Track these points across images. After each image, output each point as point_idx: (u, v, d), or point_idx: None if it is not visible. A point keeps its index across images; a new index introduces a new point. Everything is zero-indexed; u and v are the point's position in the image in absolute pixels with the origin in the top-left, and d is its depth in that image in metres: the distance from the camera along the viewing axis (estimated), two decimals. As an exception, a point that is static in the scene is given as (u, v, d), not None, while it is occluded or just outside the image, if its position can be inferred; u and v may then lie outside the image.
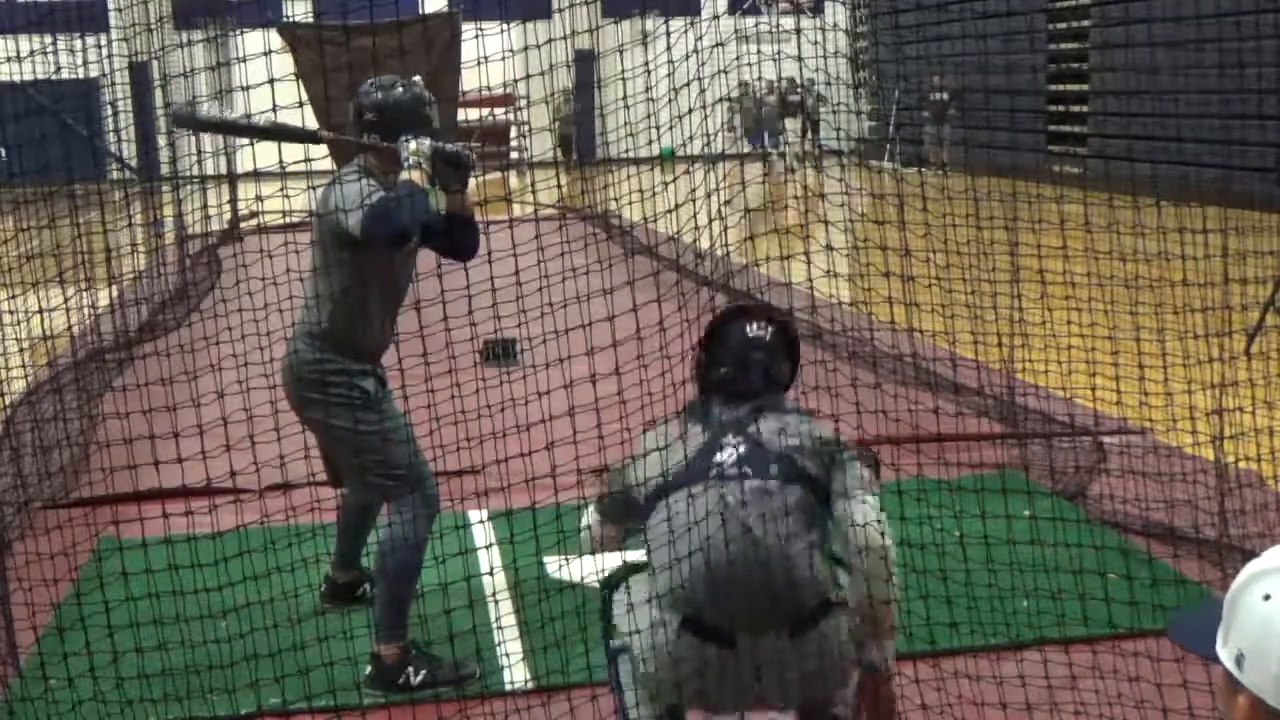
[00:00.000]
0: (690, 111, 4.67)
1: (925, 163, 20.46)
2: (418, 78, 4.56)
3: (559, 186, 20.97)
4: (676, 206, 4.56)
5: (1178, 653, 4.18)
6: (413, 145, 4.22)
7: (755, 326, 3.61)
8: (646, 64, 4.55)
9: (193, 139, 5.46)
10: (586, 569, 5.01)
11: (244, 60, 4.80)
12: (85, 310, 7.72)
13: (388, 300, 4.53)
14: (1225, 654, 1.65)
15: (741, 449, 3.40)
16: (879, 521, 3.31)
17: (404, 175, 4.25)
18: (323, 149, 4.56)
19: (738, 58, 4.96)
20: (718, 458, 3.40)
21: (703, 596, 3.28)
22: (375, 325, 4.51)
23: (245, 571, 4.48)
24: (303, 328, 4.49)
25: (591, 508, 3.84)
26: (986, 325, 6.11)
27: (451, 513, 5.31)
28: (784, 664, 3.26)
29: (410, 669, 4.42)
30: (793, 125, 22.02)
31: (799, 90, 21.07)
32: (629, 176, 5.02)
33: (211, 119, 4.47)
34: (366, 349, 4.52)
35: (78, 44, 7.54)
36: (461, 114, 21.82)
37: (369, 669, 4.45)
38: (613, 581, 3.69)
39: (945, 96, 20.86)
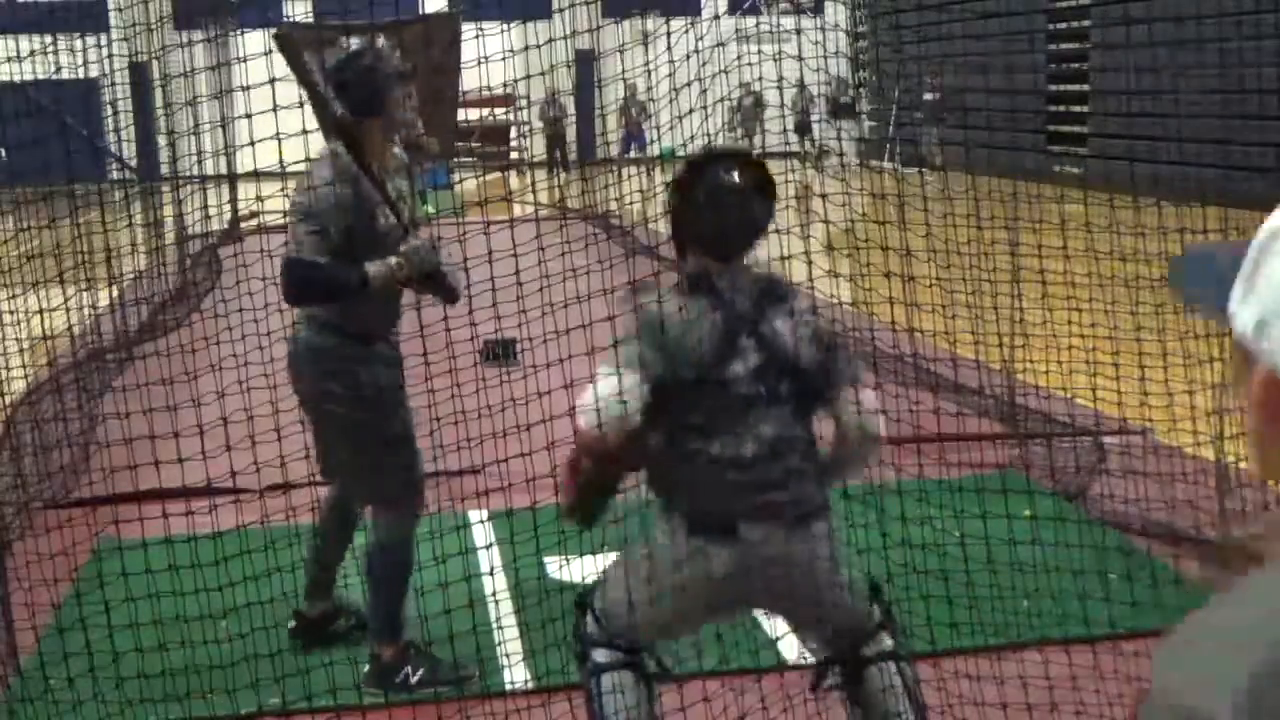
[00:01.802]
0: (691, 111, 4.67)
1: (924, 163, 20.43)
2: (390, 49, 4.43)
3: (557, 187, 20.96)
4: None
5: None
6: (411, 244, 4.22)
7: (731, 172, 3.43)
8: (646, 64, 4.56)
9: (192, 139, 5.47)
10: (587, 569, 5.02)
11: (244, 60, 4.80)
12: (85, 310, 7.72)
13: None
14: (1242, 316, 1.34)
15: (754, 359, 3.31)
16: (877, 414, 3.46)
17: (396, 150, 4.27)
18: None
19: (738, 57, 4.96)
20: (733, 369, 3.29)
21: (712, 501, 3.29)
22: (376, 301, 4.33)
23: (245, 571, 4.48)
24: (304, 313, 4.36)
25: (606, 375, 3.35)
26: (987, 325, 6.11)
27: (451, 513, 5.32)
28: (783, 557, 3.27)
29: (409, 668, 4.42)
30: (846, 125, 21.51)
31: (849, 91, 20.73)
32: (629, 176, 5.02)
33: (303, 62, 4.30)
34: (373, 326, 4.37)
35: (78, 44, 7.54)
36: (461, 114, 21.86)
37: (368, 667, 4.45)
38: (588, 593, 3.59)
39: (936, 96, 20.77)
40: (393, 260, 4.17)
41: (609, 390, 3.26)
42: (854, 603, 3.44)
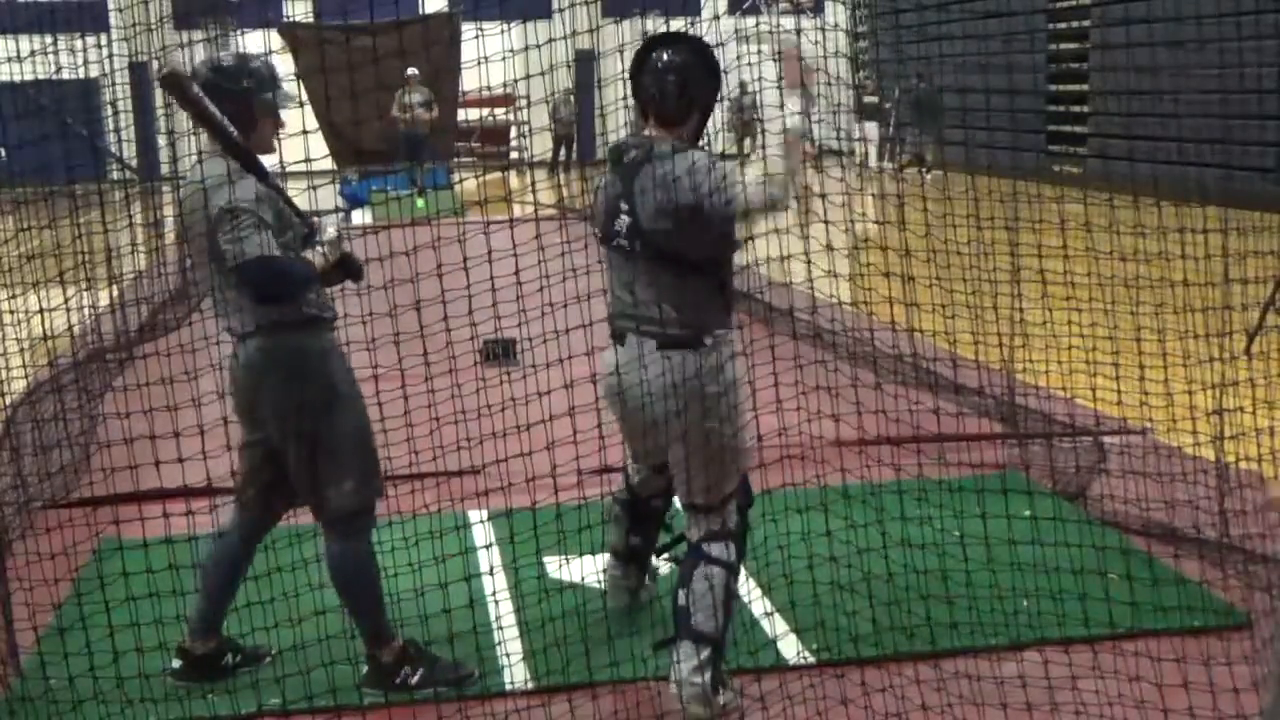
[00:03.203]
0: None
1: (923, 163, 20.40)
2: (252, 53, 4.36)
3: (559, 186, 20.95)
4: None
5: (1178, 652, 4.18)
6: (330, 232, 4.25)
7: (669, 52, 4.19)
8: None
9: (193, 139, 5.47)
10: (587, 569, 5.03)
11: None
12: (85, 310, 7.72)
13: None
14: None
15: (626, 222, 4.15)
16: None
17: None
18: (324, 149, 4.54)
19: (738, 58, 4.96)
20: (616, 224, 4.18)
21: (613, 323, 4.31)
22: (317, 290, 4.24)
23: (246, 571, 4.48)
24: (249, 323, 4.18)
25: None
26: (987, 325, 6.10)
27: (451, 513, 5.32)
28: (644, 362, 4.13)
29: (408, 668, 4.41)
30: (870, 128, 21.16)
31: (878, 92, 20.49)
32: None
33: (194, 97, 4.10)
34: (324, 311, 4.27)
35: (78, 44, 7.54)
36: (461, 114, 21.90)
37: (367, 668, 4.45)
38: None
39: (910, 95, 20.61)
40: (320, 249, 4.21)
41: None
42: (706, 456, 4.15)
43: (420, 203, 17.27)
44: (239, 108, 4.15)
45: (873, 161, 20.95)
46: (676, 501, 4.53)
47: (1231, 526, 5.19)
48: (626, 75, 4.28)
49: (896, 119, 21.85)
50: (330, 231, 4.28)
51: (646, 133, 4.19)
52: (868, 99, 20.61)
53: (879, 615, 4.57)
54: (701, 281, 4.13)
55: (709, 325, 4.12)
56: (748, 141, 22.47)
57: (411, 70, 19.48)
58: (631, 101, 4.30)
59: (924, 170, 19.93)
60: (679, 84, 4.14)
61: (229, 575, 4.49)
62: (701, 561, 4.17)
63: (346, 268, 4.34)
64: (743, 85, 5.38)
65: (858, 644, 4.51)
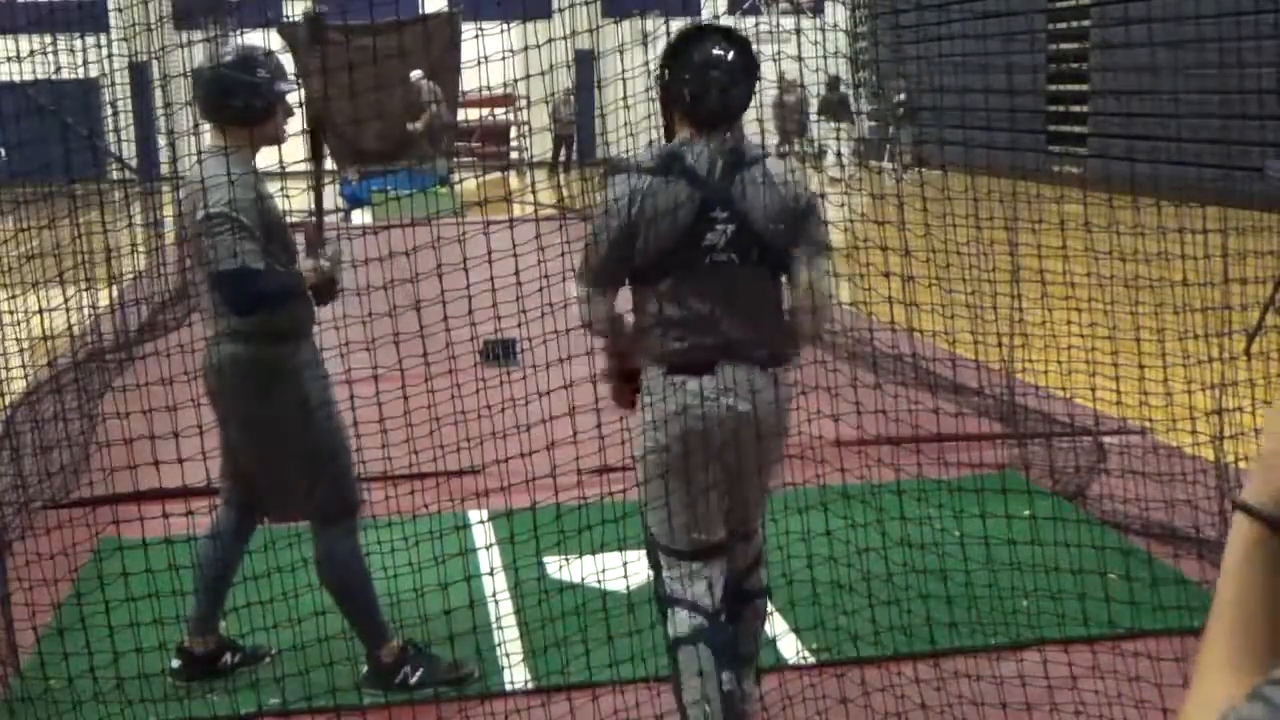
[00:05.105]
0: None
1: (923, 163, 20.34)
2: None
3: (559, 186, 20.93)
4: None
5: (1177, 652, 4.18)
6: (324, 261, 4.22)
7: (716, 47, 3.66)
8: (646, 64, 4.55)
9: (192, 139, 5.47)
10: (587, 569, 5.02)
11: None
12: (85, 310, 7.72)
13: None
14: None
15: (729, 230, 3.60)
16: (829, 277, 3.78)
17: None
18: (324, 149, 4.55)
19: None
20: (709, 239, 3.60)
21: (691, 351, 3.64)
22: (300, 300, 4.25)
23: (245, 572, 4.48)
24: (224, 327, 4.17)
25: (579, 284, 3.77)
26: (986, 325, 6.11)
27: (451, 513, 5.32)
28: (753, 386, 3.63)
29: (407, 668, 4.41)
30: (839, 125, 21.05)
31: (843, 88, 20.38)
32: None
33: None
34: (301, 325, 4.29)
35: (78, 44, 7.53)
36: (461, 114, 21.90)
37: (366, 668, 4.45)
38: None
39: (903, 96, 20.59)
40: (324, 263, 4.19)
41: (577, 294, 3.72)
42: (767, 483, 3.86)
43: (443, 190, 17.31)
44: (255, 98, 4.14)
45: (879, 162, 20.90)
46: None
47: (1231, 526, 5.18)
48: (660, 73, 3.78)
49: (893, 119, 21.81)
50: (334, 248, 4.26)
51: (685, 134, 3.70)
52: (866, 97, 20.51)
53: (879, 615, 4.57)
54: (780, 292, 3.79)
55: (788, 339, 3.80)
56: (790, 140, 22.44)
57: (416, 73, 19.65)
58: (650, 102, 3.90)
59: (920, 169, 19.88)
60: (749, 81, 3.68)
61: (221, 574, 4.50)
62: (755, 598, 3.91)
63: (330, 289, 4.31)
64: (785, 82, 5.36)
65: (858, 644, 4.51)
